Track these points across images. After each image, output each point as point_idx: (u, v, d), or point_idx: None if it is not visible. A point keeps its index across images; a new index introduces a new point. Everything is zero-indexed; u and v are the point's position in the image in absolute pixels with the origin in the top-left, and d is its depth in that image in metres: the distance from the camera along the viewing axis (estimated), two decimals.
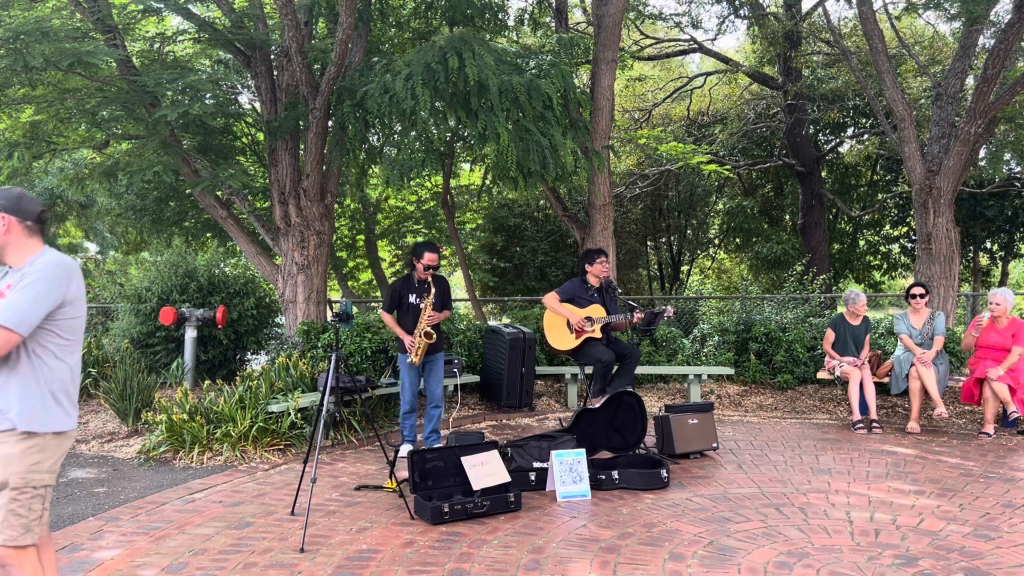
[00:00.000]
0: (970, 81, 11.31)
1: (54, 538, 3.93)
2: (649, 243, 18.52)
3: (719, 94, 16.98)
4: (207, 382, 7.14)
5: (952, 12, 9.45)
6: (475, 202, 16.23)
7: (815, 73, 15.55)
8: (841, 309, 8.92)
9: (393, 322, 6.13)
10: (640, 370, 8.35)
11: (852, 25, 15.10)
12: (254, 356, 9.97)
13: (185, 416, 6.30)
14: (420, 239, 17.13)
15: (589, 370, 6.58)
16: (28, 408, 2.62)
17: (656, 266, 19.09)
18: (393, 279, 18.01)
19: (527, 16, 10.40)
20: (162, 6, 8.10)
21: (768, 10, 14.75)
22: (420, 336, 5.91)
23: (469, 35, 7.33)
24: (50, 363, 2.68)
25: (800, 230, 15.64)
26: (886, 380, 7.77)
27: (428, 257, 6.01)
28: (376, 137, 9.24)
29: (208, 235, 11.55)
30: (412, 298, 6.12)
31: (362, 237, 16.68)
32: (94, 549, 4.12)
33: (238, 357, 9.60)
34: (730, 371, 8.47)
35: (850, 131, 16.58)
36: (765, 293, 14.33)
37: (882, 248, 18.29)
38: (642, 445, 6.11)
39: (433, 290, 6.00)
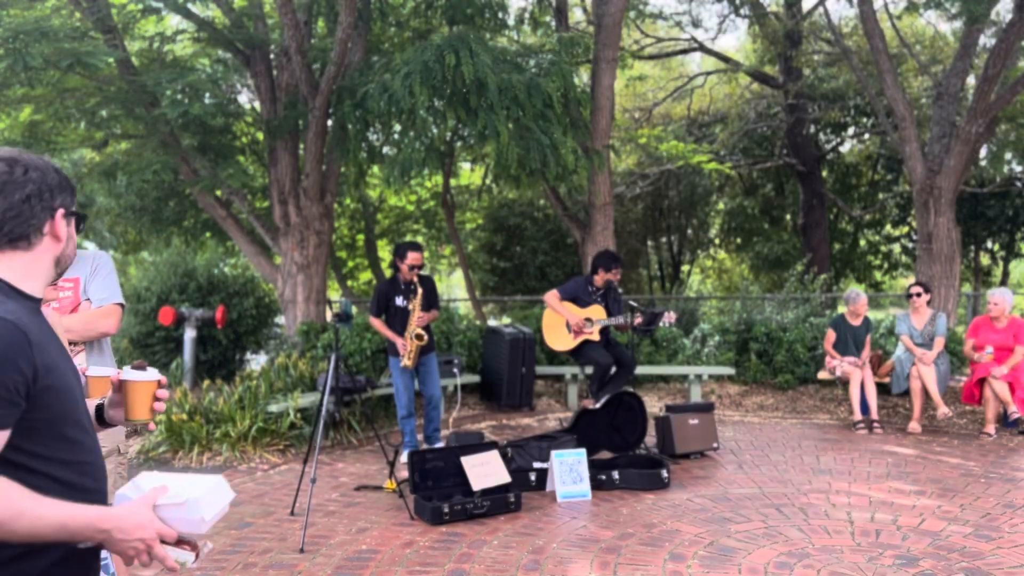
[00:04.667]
0: (971, 80, 11.30)
1: None
2: (649, 243, 18.51)
3: (719, 93, 16.95)
4: (206, 382, 7.14)
5: (953, 12, 9.43)
6: (475, 202, 16.21)
7: (816, 72, 15.53)
8: (842, 309, 8.91)
9: (382, 326, 6.02)
10: (640, 370, 8.34)
11: (853, 24, 15.08)
12: (254, 356, 9.97)
13: (185, 416, 6.29)
14: (419, 239, 17.14)
15: (590, 370, 6.56)
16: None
17: (656, 266, 19.08)
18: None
19: (527, 15, 10.38)
20: (161, 6, 8.09)
21: (769, 9, 14.73)
22: (411, 338, 5.83)
23: (466, 33, 7.32)
24: (109, 342, 3.22)
25: (801, 230, 15.62)
26: (887, 380, 7.76)
27: (412, 257, 5.88)
28: (376, 137, 9.24)
29: (207, 235, 11.54)
30: (399, 300, 5.99)
31: (362, 237, 16.68)
32: None
33: (237, 357, 9.59)
34: (731, 371, 8.46)
35: (851, 130, 16.56)
36: (766, 293, 14.31)
37: (883, 248, 18.27)
38: (642, 445, 6.10)
39: (420, 290, 5.90)
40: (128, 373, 1.72)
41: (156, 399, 1.75)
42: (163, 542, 1.48)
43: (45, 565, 1.43)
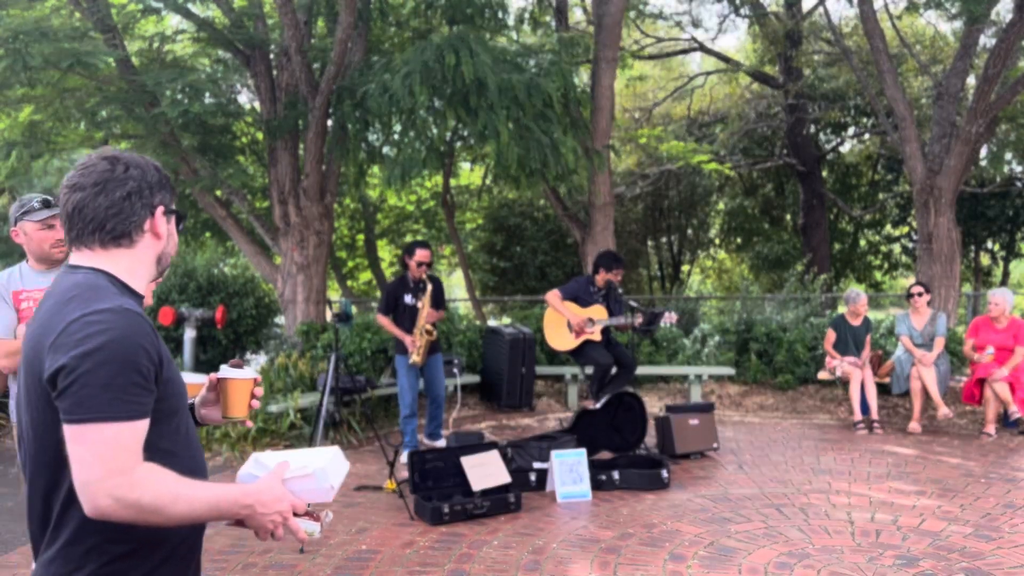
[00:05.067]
0: (971, 80, 11.29)
1: None
2: (649, 243, 18.50)
3: (720, 93, 16.95)
4: None
5: (953, 12, 9.43)
6: (475, 202, 16.21)
7: (816, 72, 15.52)
8: (842, 309, 8.91)
9: (390, 324, 6.08)
10: (640, 370, 8.33)
11: (853, 24, 15.07)
12: (254, 356, 9.96)
13: None
14: (419, 239, 17.13)
15: (590, 370, 6.56)
16: None
17: (656, 266, 19.08)
18: (390, 280, 18.06)
19: (527, 15, 10.38)
20: (161, 6, 8.09)
21: (769, 9, 14.72)
22: (421, 334, 5.89)
23: (466, 33, 7.31)
24: None
25: (801, 230, 15.61)
26: (887, 380, 7.75)
27: (420, 254, 6.00)
28: (376, 137, 9.23)
29: (207, 235, 11.54)
30: (407, 298, 6.07)
31: (362, 237, 16.67)
32: None
33: (237, 357, 9.59)
34: (731, 371, 8.45)
35: (851, 131, 16.56)
36: (766, 293, 14.31)
37: (883, 248, 18.26)
38: (642, 445, 6.10)
39: (430, 287, 5.98)
40: (226, 371, 1.76)
41: (252, 396, 1.79)
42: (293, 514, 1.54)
43: (151, 566, 1.48)
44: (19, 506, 4.99)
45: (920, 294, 7.50)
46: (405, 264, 6.11)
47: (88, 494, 1.34)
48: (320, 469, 1.56)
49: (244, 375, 1.76)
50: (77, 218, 1.51)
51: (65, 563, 1.42)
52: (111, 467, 1.34)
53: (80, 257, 1.53)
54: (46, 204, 2.99)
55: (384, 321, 6.11)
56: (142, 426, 1.38)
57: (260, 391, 1.81)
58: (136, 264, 1.55)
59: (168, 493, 1.37)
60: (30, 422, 1.46)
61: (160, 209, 1.58)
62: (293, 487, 1.54)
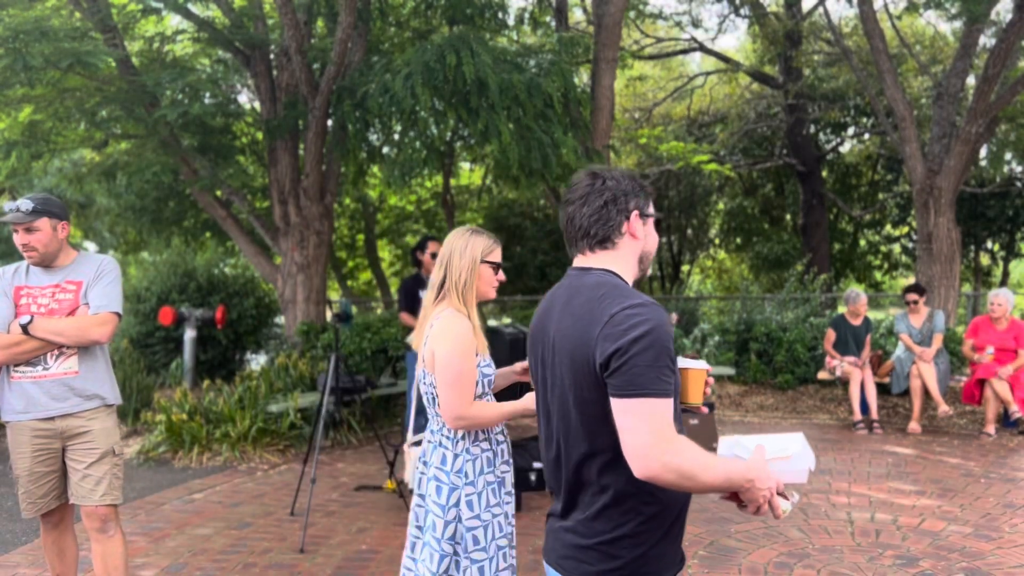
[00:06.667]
0: (971, 81, 11.30)
1: None
2: None
3: (719, 93, 16.95)
4: (206, 382, 7.13)
5: (953, 12, 9.43)
6: (475, 202, 16.21)
7: (816, 72, 15.52)
8: (842, 309, 8.91)
9: (413, 320, 6.17)
10: None
11: (853, 24, 15.08)
12: (254, 356, 9.97)
13: (184, 416, 6.29)
14: (426, 233, 17.19)
15: None
16: (111, 385, 3.20)
17: (656, 266, 19.08)
18: (393, 279, 18.06)
19: (527, 15, 10.37)
20: (161, 6, 8.08)
21: (768, 9, 14.72)
22: None
23: (467, 34, 7.32)
24: (106, 347, 3.27)
25: (801, 230, 15.61)
26: (887, 380, 7.75)
27: (433, 245, 6.13)
28: (376, 137, 9.23)
29: (207, 235, 11.54)
30: (422, 294, 6.15)
31: (362, 237, 16.68)
32: None
33: (237, 357, 9.59)
34: (731, 371, 8.45)
35: (851, 131, 16.55)
36: (766, 293, 14.30)
37: (883, 248, 18.26)
38: None
39: None
40: (685, 362, 1.90)
41: (706, 384, 1.93)
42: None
43: (672, 517, 1.73)
44: (18, 506, 4.99)
45: (915, 300, 7.48)
46: (418, 261, 6.20)
47: (640, 458, 1.54)
48: (797, 453, 1.71)
49: (700, 366, 1.90)
50: (570, 227, 1.78)
51: (609, 521, 1.66)
52: (659, 436, 1.53)
53: (581, 260, 1.78)
54: (16, 208, 3.00)
55: (407, 319, 6.17)
56: (672, 403, 1.58)
57: (711, 380, 1.95)
58: (623, 263, 1.77)
59: (700, 463, 1.55)
60: (575, 401, 1.66)
61: (635, 213, 1.77)
62: (774, 468, 1.69)
